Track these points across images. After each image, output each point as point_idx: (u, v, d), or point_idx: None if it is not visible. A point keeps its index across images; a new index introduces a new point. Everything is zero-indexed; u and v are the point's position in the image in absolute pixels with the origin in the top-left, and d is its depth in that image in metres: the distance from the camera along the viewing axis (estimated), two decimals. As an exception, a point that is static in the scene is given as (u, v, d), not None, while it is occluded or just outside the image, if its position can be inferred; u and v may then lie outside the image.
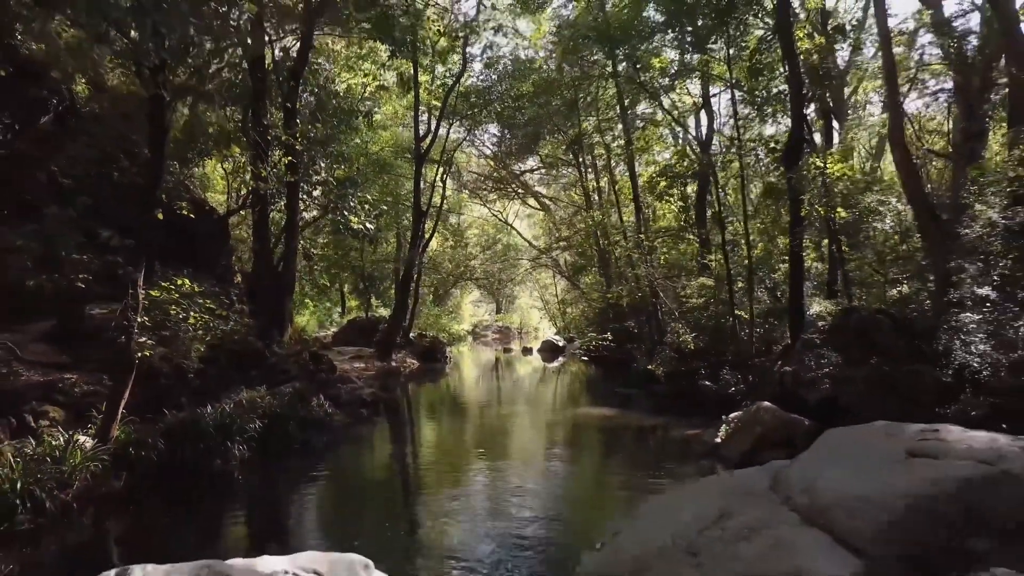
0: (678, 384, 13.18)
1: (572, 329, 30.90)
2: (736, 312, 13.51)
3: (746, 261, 13.65)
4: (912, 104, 17.38)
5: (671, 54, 18.42)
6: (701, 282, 15.64)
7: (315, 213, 19.02)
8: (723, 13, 13.63)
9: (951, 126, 14.81)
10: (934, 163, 15.89)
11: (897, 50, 14.87)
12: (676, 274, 18.03)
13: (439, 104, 21.03)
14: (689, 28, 15.68)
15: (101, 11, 6.20)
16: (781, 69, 13.46)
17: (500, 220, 34.43)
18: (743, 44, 14.87)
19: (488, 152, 29.27)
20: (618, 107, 20.17)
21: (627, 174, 20.70)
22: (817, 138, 15.45)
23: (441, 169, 22.50)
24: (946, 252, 9.32)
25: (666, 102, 20.22)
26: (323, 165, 15.37)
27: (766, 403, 8.71)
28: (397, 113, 25.12)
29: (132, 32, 7.13)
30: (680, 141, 21.27)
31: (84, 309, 9.54)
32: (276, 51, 14.61)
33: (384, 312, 26.25)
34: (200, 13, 7.50)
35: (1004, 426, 5.47)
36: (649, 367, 14.94)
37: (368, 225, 17.42)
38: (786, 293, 13.03)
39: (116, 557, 5.54)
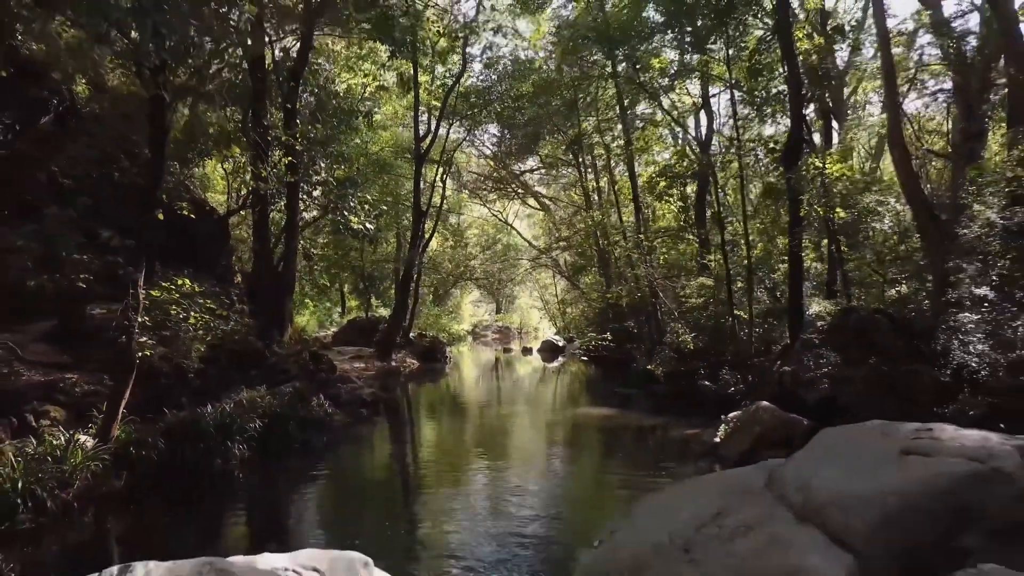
0: (677, 384, 13.21)
1: (572, 329, 30.93)
2: (735, 312, 13.54)
3: (745, 261, 13.67)
4: (912, 104, 17.42)
5: (671, 54, 18.45)
6: (700, 282, 15.66)
7: (315, 213, 19.06)
8: (722, 13, 13.65)
9: (950, 126, 14.83)
10: (933, 163, 15.91)
11: (896, 50, 14.90)
12: (676, 274, 18.06)
13: (439, 104, 21.07)
14: (689, 28, 15.70)
15: (101, 12, 6.23)
16: (780, 69, 13.48)
17: (500, 220, 34.47)
18: (742, 44, 14.89)
19: (488, 152, 29.33)
20: (618, 107, 20.21)
21: (627, 174, 20.73)
22: (816, 138, 15.48)
23: (441, 169, 22.54)
24: (945, 252, 9.35)
25: (666, 102, 20.25)
26: (323, 165, 15.40)
27: (765, 403, 8.73)
28: (397, 113, 25.16)
29: (132, 33, 7.16)
30: (680, 141, 21.29)
31: (85, 309, 9.56)
32: (276, 51, 14.65)
33: (384, 312, 26.29)
34: (200, 14, 7.53)
35: (1002, 425, 5.49)
36: (649, 367, 14.96)
37: (368, 225, 17.46)
38: (785, 293, 13.06)
39: (117, 556, 5.56)
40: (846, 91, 18.45)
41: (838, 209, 11.92)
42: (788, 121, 13.27)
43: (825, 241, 13.92)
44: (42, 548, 5.55)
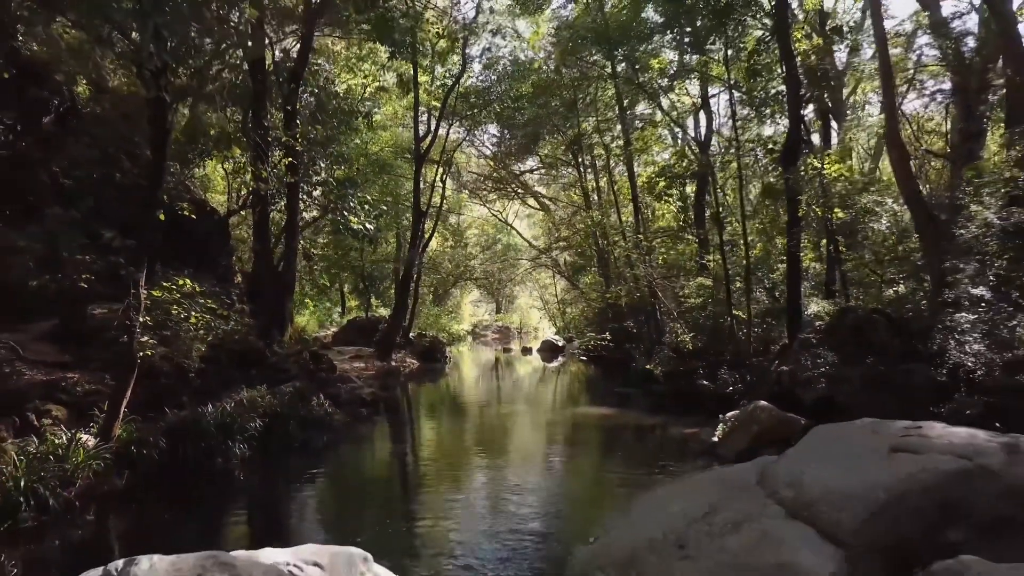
0: (676, 383, 13.24)
1: (571, 329, 30.96)
2: (734, 312, 13.58)
3: (744, 261, 13.72)
4: (910, 105, 17.47)
5: (670, 55, 18.50)
6: (699, 282, 15.70)
7: (315, 213, 19.11)
8: (721, 14, 13.69)
9: (949, 127, 14.87)
10: (932, 163, 15.96)
11: (895, 51, 14.95)
12: (675, 274, 18.09)
13: (439, 105, 21.10)
14: (688, 29, 15.74)
15: (103, 13, 6.28)
16: (779, 70, 13.51)
17: (500, 220, 34.50)
18: (741, 45, 14.93)
19: (488, 152, 29.36)
20: (617, 108, 20.22)
21: (626, 174, 20.76)
22: (815, 139, 15.50)
23: (441, 169, 22.57)
24: (942, 252, 9.39)
25: (665, 103, 20.30)
26: (323, 166, 15.44)
27: (763, 402, 8.76)
28: (397, 114, 25.19)
29: (134, 34, 7.21)
30: (679, 141, 21.35)
31: (86, 309, 9.60)
32: (276, 52, 14.68)
33: (384, 312, 26.32)
34: (201, 15, 7.59)
35: (998, 424, 5.54)
36: (648, 367, 14.99)
37: (368, 225, 17.47)
38: (784, 293, 13.10)
39: (119, 554, 5.57)
40: (845, 91, 18.47)
41: (836, 209, 11.96)
42: (787, 121, 13.30)
43: (823, 241, 13.96)
44: (44, 546, 5.59)
